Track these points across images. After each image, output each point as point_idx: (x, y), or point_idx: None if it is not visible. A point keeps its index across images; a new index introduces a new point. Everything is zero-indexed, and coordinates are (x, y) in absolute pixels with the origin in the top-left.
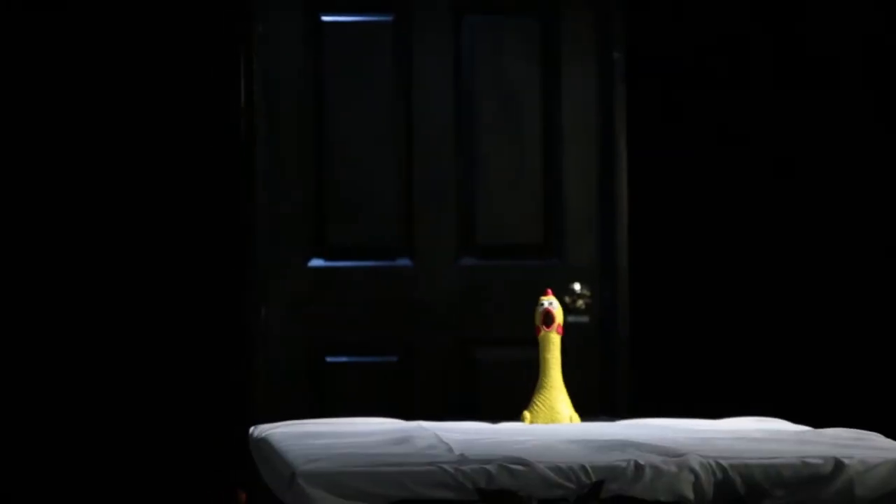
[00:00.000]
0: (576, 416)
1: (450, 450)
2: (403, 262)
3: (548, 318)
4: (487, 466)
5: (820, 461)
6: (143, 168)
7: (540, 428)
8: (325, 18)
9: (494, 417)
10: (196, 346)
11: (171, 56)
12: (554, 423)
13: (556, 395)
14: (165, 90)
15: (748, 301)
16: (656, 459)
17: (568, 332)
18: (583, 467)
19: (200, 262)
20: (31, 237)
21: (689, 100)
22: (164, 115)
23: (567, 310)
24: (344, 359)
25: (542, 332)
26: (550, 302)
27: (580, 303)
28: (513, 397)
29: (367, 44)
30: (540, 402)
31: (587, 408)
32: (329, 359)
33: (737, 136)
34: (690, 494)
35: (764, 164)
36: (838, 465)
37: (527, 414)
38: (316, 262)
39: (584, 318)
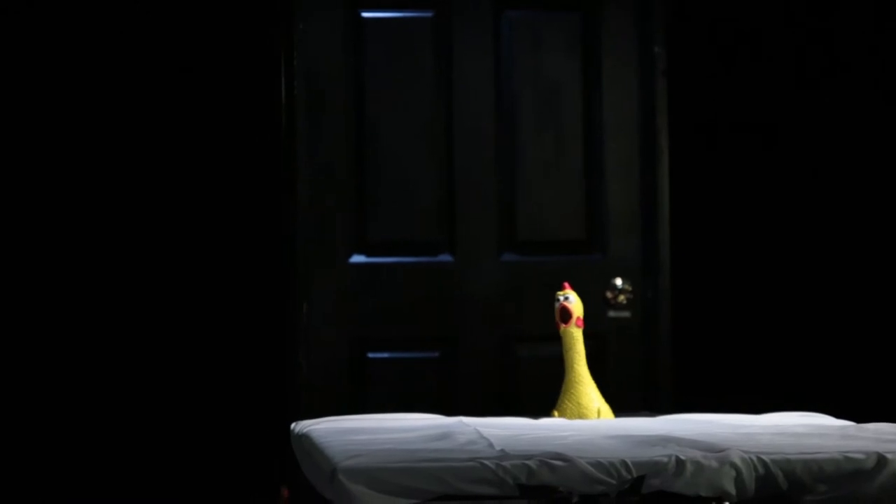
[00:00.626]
0: (605, 408)
1: (490, 445)
2: (444, 258)
3: (564, 314)
4: (528, 462)
5: (862, 456)
6: (188, 167)
7: (580, 423)
8: (366, 15)
9: (535, 413)
10: (240, 342)
11: (213, 55)
12: (583, 419)
13: (582, 389)
14: (209, 89)
15: (791, 296)
16: (697, 454)
17: (610, 328)
18: (623, 462)
19: (244, 260)
20: (82, 235)
21: (731, 95)
22: (207, 114)
23: (609, 305)
24: (385, 355)
25: (562, 328)
26: (566, 297)
27: (622, 298)
28: (554, 393)
29: (407, 40)
30: (567, 398)
31: (629, 403)
32: (371, 354)
33: (778, 132)
34: (732, 490)
35: (805, 160)
36: (881, 460)
37: (555, 413)
38: (357, 259)
39: (626, 314)
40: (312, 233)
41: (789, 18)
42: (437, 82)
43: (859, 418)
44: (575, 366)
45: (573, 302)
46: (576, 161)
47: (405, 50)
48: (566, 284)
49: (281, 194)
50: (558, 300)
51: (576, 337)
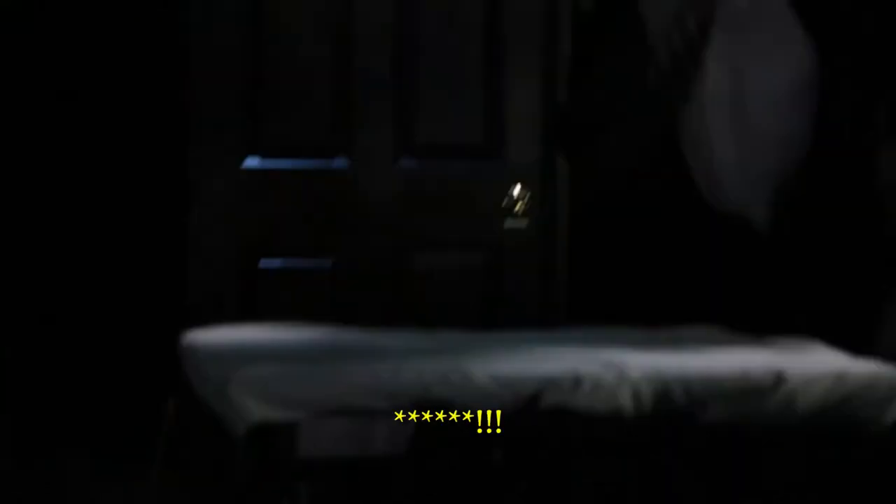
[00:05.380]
0: None
1: (385, 359)
2: (340, 162)
3: None
4: (423, 376)
5: (761, 374)
6: (72, 61)
7: (478, 338)
8: None
9: (432, 324)
10: (127, 249)
11: None
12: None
13: None
14: None
15: (690, 207)
16: (595, 370)
17: (506, 236)
18: (521, 378)
19: (130, 162)
20: None
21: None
22: (93, 7)
23: (506, 213)
24: (278, 262)
25: None
26: None
27: (520, 206)
28: (452, 303)
29: None
30: None
31: (525, 314)
32: (263, 262)
33: None
34: (629, 405)
35: None
36: (780, 377)
37: None
38: (251, 162)
39: (524, 222)
40: (204, 135)
41: None
42: None
43: (761, 332)
44: None
45: None
46: (477, 65)
47: None
48: None
49: (171, 95)
50: None
51: None
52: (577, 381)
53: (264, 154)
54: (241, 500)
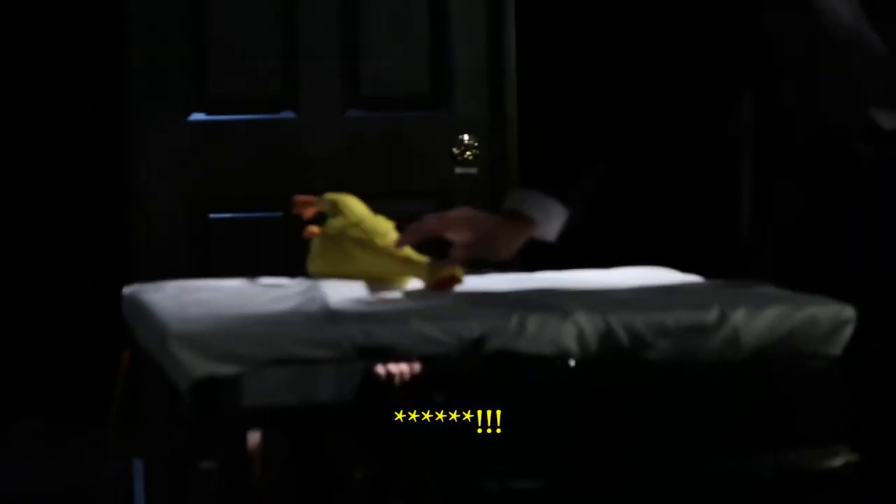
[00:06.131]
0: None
1: (326, 307)
2: (287, 114)
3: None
4: (365, 323)
5: (704, 311)
6: (7, 17)
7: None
8: None
9: None
10: (74, 205)
11: None
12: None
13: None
14: None
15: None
16: (540, 313)
17: (456, 185)
18: (463, 322)
19: (75, 117)
20: None
21: None
22: None
23: (456, 162)
24: (227, 215)
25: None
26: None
27: (469, 154)
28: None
29: None
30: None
31: (477, 260)
32: (212, 215)
33: None
34: (575, 347)
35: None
36: (723, 313)
37: None
38: (197, 116)
39: (473, 170)
40: (149, 89)
41: None
42: None
43: (707, 273)
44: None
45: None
46: (421, 14)
47: None
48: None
49: (114, 49)
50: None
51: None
52: (521, 324)
53: (210, 109)
54: (190, 451)
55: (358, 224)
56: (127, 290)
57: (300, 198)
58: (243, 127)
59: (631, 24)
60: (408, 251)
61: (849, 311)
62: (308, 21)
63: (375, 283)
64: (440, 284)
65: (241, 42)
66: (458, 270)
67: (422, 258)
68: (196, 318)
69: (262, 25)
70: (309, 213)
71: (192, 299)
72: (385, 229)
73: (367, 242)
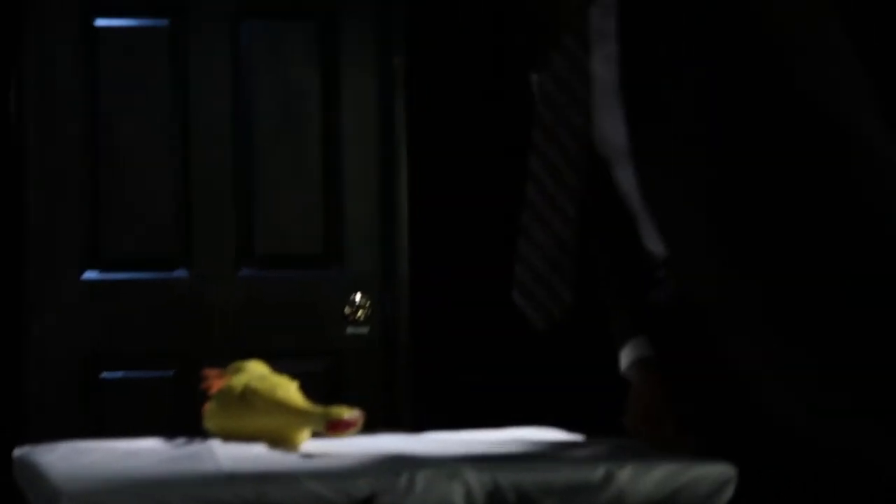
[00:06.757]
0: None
1: (219, 467)
2: (181, 273)
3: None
4: (257, 482)
5: (591, 470)
6: None
7: (313, 444)
8: (100, 23)
9: None
10: None
11: None
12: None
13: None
14: None
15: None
16: (429, 471)
17: (348, 345)
18: (354, 482)
19: None
20: None
21: (470, 108)
22: None
23: (348, 322)
24: (120, 374)
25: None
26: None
27: (361, 314)
28: None
29: (143, 48)
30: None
31: (368, 421)
32: (105, 374)
33: (521, 141)
34: None
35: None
36: (609, 472)
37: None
38: (90, 275)
39: (365, 329)
40: (43, 247)
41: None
42: (174, 93)
43: (594, 433)
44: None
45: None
46: (315, 173)
47: (141, 58)
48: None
49: (10, 206)
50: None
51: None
52: (410, 483)
53: (103, 266)
54: None
55: (260, 378)
56: (17, 451)
57: (210, 371)
58: (137, 286)
59: (519, 183)
60: (305, 403)
61: (730, 471)
62: (202, 179)
63: (270, 441)
64: (334, 428)
65: (137, 200)
66: (349, 412)
67: (318, 409)
68: (88, 478)
69: (157, 184)
70: (218, 385)
71: (85, 461)
72: (287, 386)
73: (267, 393)
